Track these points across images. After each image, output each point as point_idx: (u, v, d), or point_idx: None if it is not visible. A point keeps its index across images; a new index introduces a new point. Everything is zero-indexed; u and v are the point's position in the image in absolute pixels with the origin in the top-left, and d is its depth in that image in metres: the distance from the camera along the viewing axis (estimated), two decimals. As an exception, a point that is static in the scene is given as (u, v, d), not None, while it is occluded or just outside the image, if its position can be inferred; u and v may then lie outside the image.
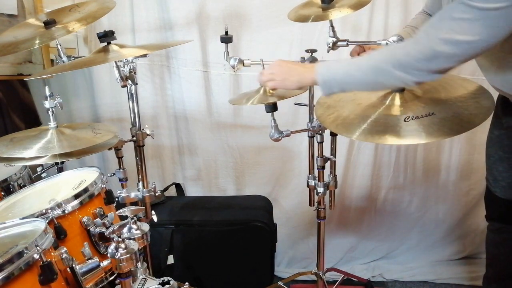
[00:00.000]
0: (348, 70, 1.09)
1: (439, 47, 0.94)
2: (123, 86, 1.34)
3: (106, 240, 1.14)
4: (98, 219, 1.16)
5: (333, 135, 1.61)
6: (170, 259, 1.82)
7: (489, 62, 1.19)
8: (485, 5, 0.87)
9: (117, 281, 1.03)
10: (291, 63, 1.21)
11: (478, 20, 0.90)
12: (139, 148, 1.51)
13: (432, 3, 1.35)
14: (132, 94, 1.46)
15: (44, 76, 1.43)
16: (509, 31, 0.92)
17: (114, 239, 1.00)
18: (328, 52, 1.40)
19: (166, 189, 2.15)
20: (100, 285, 1.07)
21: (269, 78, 1.21)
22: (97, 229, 1.15)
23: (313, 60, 1.50)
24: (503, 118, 1.33)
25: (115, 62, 1.28)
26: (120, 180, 1.51)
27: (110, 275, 1.09)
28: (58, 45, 1.43)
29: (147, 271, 1.30)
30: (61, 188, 1.34)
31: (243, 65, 1.45)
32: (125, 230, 1.07)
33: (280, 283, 1.88)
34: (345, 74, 1.09)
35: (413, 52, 0.98)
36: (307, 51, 1.49)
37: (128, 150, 1.52)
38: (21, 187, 1.49)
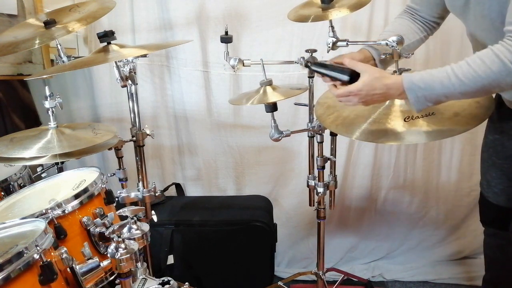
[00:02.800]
0: (447, 86, 0.98)
1: None
2: (123, 86, 1.34)
3: (106, 240, 1.14)
4: (98, 219, 1.17)
5: (333, 135, 1.60)
6: (170, 259, 1.82)
7: None
8: None
9: (117, 281, 1.03)
10: (371, 88, 1.05)
11: None
12: (139, 148, 1.51)
13: None
14: (132, 94, 1.46)
15: (44, 76, 1.43)
16: None
17: (114, 239, 1.00)
18: (328, 52, 1.39)
19: (166, 189, 2.15)
20: (100, 285, 1.07)
21: (347, 102, 1.13)
22: (97, 229, 1.15)
23: (313, 60, 1.49)
24: (497, 123, 1.30)
25: (115, 62, 1.28)
26: (120, 180, 1.51)
27: (110, 275, 1.09)
28: (58, 45, 1.42)
29: (147, 271, 1.30)
30: (61, 188, 1.34)
31: (243, 65, 1.45)
32: (125, 230, 1.07)
33: (280, 283, 1.88)
34: (444, 89, 0.99)
35: None
36: (307, 51, 1.49)
37: (128, 150, 1.52)
38: (21, 187, 1.49)
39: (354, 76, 1.09)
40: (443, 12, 1.31)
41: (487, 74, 0.94)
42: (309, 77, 1.54)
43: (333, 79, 1.14)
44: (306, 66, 1.21)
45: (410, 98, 1.02)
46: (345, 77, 1.10)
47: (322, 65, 1.17)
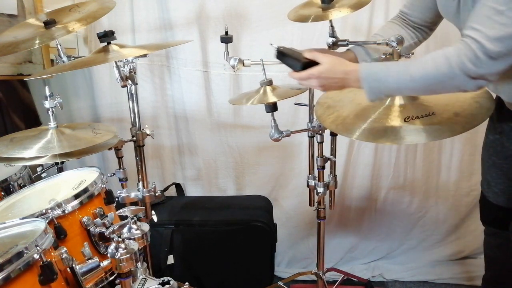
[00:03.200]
0: (399, 80, 1.02)
1: (498, 47, 0.88)
2: (123, 86, 1.34)
3: (106, 240, 1.14)
4: (98, 219, 1.16)
5: (333, 135, 1.61)
6: (170, 259, 1.82)
7: None
8: None
9: (117, 281, 1.03)
10: (331, 73, 1.09)
11: None
12: (139, 148, 1.51)
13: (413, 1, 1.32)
14: (132, 94, 1.46)
15: (44, 76, 1.43)
16: None
17: (114, 239, 1.00)
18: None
19: (166, 189, 2.15)
20: (100, 285, 1.07)
21: (308, 86, 1.17)
22: (97, 229, 1.14)
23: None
24: (497, 123, 1.30)
25: (115, 62, 1.28)
26: (120, 180, 1.51)
27: (110, 275, 1.09)
28: (58, 45, 1.43)
29: (147, 271, 1.30)
30: (61, 188, 1.34)
31: (243, 65, 1.46)
32: (125, 230, 1.07)
33: (280, 283, 1.88)
34: (395, 83, 1.03)
35: (472, 59, 0.91)
36: (307, 51, 1.49)
37: (128, 150, 1.52)
38: (21, 187, 1.49)
39: (308, 67, 1.11)
40: (436, 18, 1.29)
41: (434, 74, 0.96)
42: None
43: (289, 66, 1.16)
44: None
45: (364, 88, 1.05)
46: (298, 67, 1.13)
47: (282, 53, 1.18)
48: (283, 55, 1.17)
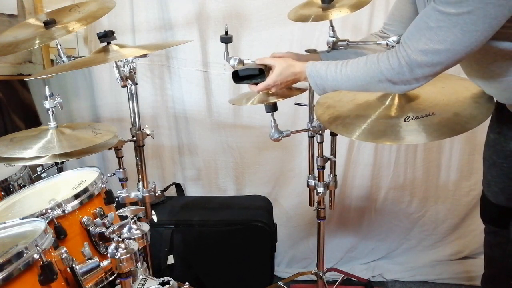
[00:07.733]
0: (336, 78, 1.12)
1: (421, 58, 0.96)
2: (123, 86, 1.34)
3: (106, 240, 1.14)
4: (98, 219, 1.16)
5: (333, 135, 1.61)
6: (170, 259, 1.82)
7: (469, 67, 1.17)
8: (459, 10, 0.88)
9: (117, 281, 1.03)
10: (283, 77, 1.20)
11: (455, 27, 0.91)
12: (139, 148, 1.51)
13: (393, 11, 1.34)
14: (132, 94, 1.46)
15: (44, 76, 1.43)
16: (491, 32, 0.91)
17: (114, 239, 0.99)
18: (328, 52, 1.40)
19: (166, 189, 2.15)
20: (100, 285, 1.07)
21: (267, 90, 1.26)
22: (97, 229, 1.14)
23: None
24: (496, 123, 1.30)
25: (115, 62, 1.28)
26: (120, 180, 1.51)
27: (110, 275, 1.09)
28: (58, 45, 1.43)
29: (147, 271, 1.29)
30: (61, 188, 1.34)
31: (243, 65, 1.46)
32: (125, 230, 1.07)
33: (280, 283, 1.88)
34: (334, 81, 1.12)
35: (395, 65, 1.00)
36: (307, 51, 1.49)
37: (128, 150, 1.52)
38: (21, 187, 1.49)
39: (262, 70, 1.23)
40: None
41: (365, 76, 1.07)
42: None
43: (251, 78, 1.25)
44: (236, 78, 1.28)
45: (311, 84, 1.17)
46: (256, 71, 1.24)
47: (238, 76, 1.27)
48: (240, 76, 1.26)
